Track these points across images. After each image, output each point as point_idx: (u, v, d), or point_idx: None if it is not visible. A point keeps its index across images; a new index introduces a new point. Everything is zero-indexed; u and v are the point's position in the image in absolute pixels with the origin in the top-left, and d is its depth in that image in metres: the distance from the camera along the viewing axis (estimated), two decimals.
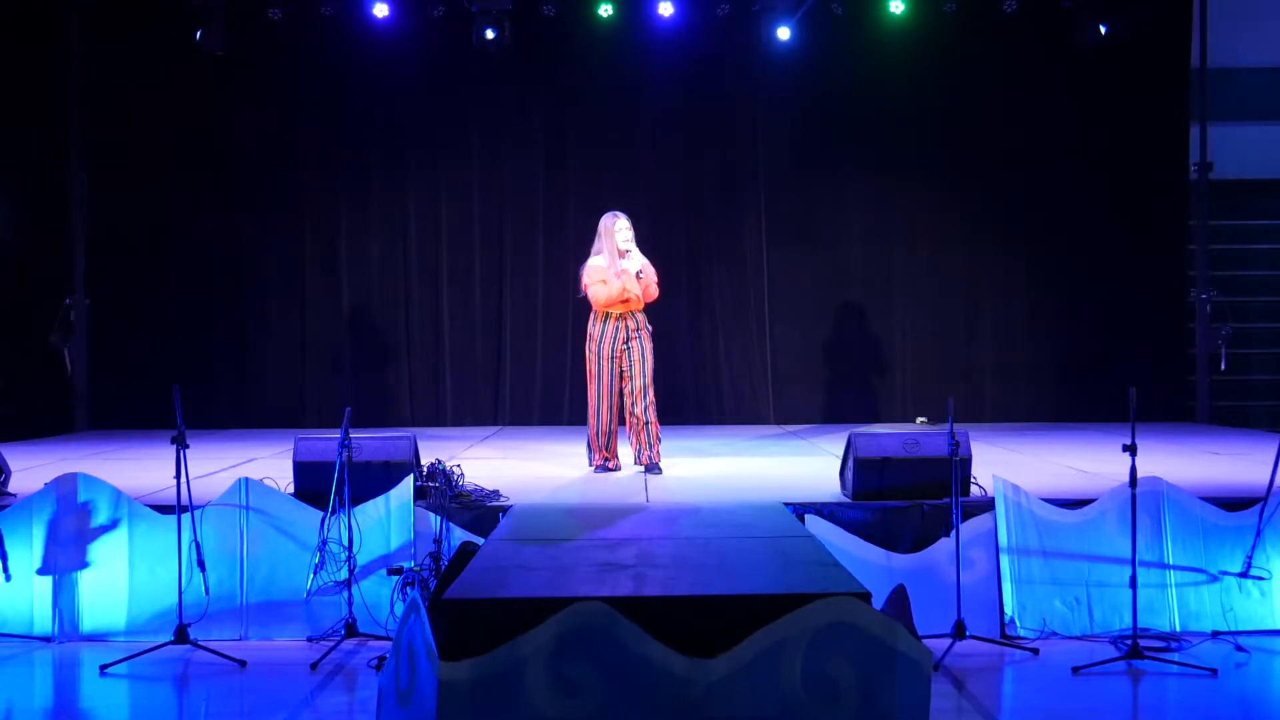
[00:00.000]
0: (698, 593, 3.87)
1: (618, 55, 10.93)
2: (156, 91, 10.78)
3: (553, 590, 3.90)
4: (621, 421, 7.29)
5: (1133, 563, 5.18)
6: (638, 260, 7.08)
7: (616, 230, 7.09)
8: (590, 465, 7.35)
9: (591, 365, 7.19)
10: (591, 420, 7.26)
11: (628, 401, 7.18)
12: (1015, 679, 5.13)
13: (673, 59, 10.88)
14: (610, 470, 7.28)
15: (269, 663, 5.24)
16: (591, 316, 7.22)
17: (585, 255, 7.08)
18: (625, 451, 7.44)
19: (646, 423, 7.18)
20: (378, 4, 10.39)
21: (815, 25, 10.66)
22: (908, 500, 5.90)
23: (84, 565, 5.69)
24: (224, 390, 10.83)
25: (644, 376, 7.14)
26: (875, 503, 5.93)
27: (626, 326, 7.13)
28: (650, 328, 7.25)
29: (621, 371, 7.16)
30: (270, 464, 7.43)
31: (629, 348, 7.13)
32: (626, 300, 7.08)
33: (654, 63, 10.91)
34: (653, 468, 7.24)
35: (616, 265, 7.05)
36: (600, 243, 7.15)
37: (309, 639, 5.56)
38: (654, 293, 7.21)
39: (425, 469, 6.14)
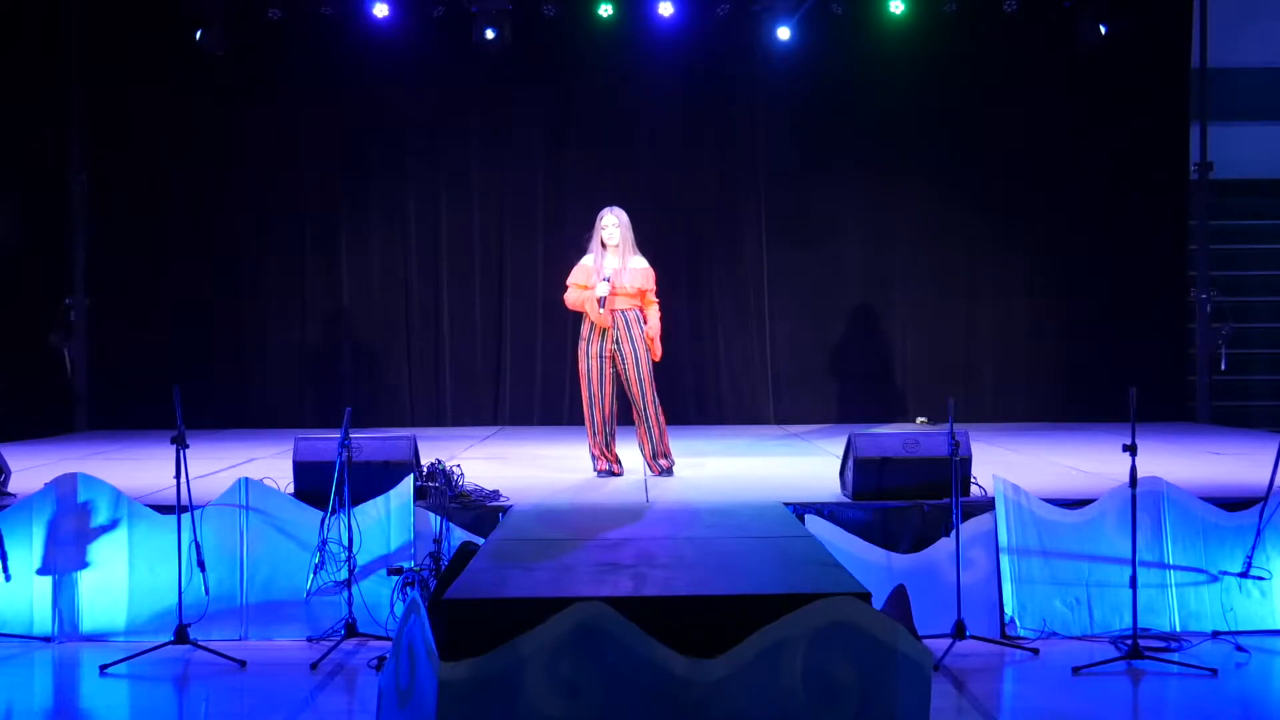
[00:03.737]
0: (698, 593, 3.87)
1: (618, 55, 10.93)
2: (156, 91, 10.79)
3: (553, 590, 3.90)
4: (629, 423, 7.15)
5: (1133, 563, 5.18)
6: (606, 289, 6.82)
7: (602, 228, 6.92)
8: (594, 470, 7.18)
9: (581, 366, 6.99)
10: (586, 423, 7.07)
11: (632, 405, 7.03)
12: (1015, 679, 5.13)
13: (673, 59, 10.88)
14: (613, 475, 7.12)
15: (269, 663, 5.24)
16: (583, 315, 7.03)
17: (583, 254, 7.00)
18: (627, 454, 7.31)
19: (649, 425, 7.01)
20: (378, 4, 10.39)
21: (815, 25, 10.66)
22: (908, 500, 5.89)
23: (84, 565, 5.69)
24: (224, 390, 10.83)
25: (639, 377, 6.94)
26: (875, 503, 5.92)
27: (616, 327, 6.91)
28: (643, 325, 6.98)
29: (616, 373, 6.98)
30: (270, 464, 7.42)
31: (620, 348, 6.93)
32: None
33: (654, 63, 10.90)
34: (666, 473, 7.11)
35: (601, 262, 6.90)
36: (593, 239, 7.00)
37: (309, 639, 5.56)
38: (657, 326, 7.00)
39: (425, 469, 6.14)
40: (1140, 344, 10.93)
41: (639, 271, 6.96)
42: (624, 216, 6.99)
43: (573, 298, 7.01)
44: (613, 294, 6.86)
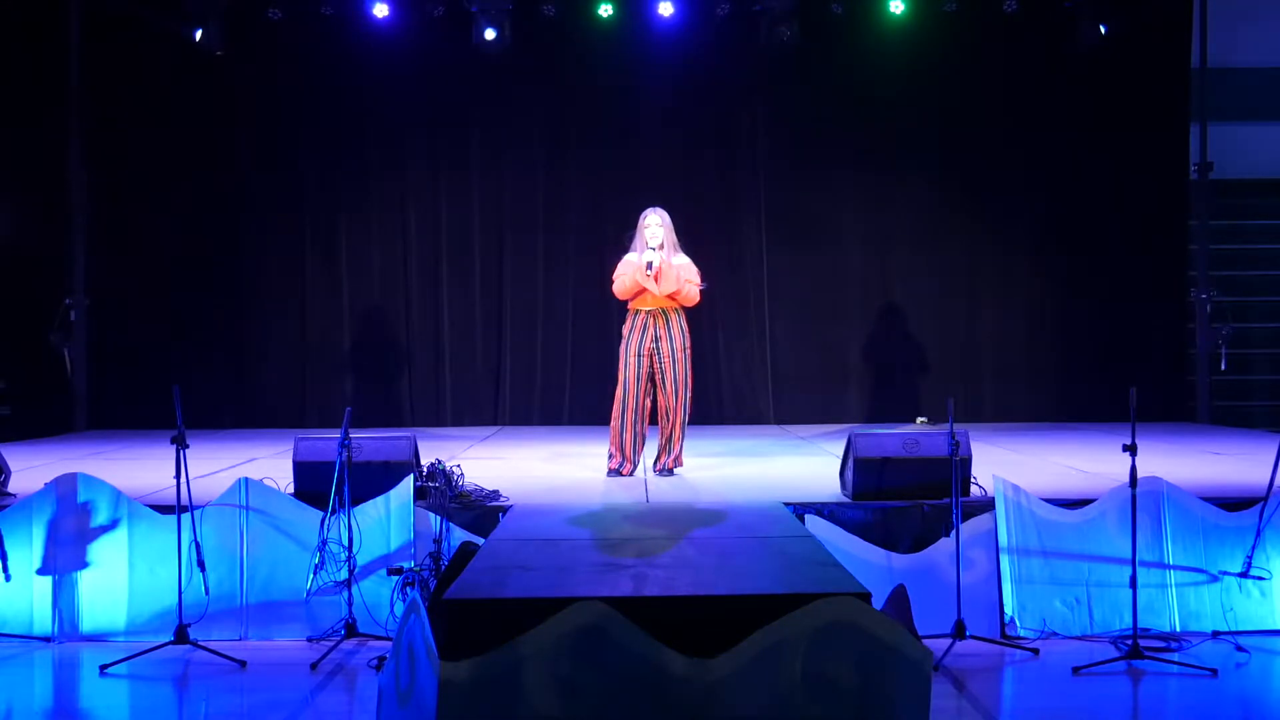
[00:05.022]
0: (698, 593, 3.87)
1: (618, 55, 10.93)
2: (156, 91, 10.79)
3: (553, 590, 3.90)
4: (653, 422, 7.14)
5: (1133, 563, 5.18)
6: (657, 259, 6.90)
7: (645, 226, 6.99)
8: (607, 468, 7.18)
9: (620, 362, 7.04)
10: (614, 420, 7.07)
11: (661, 404, 7.06)
12: (1015, 679, 5.13)
13: (673, 59, 10.87)
14: (621, 475, 7.10)
15: (269, 663, 5.24)
16: (626, 315, 7.09)
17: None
18: (647, 456, 7.30)
19: (672, 424, 7.05)
20: (378, 4, 10.39)
21: (815, 25, 10.65)
22: (908, 500, 5.90)
23: (84, 565, 5.69)
24: (224, 390, 10.83)
25: (675, 374, 6.99)
26: (875, 503, 5.92)
27: (656, 325, 6.98)
28: (686, 328, 7.08)
29: (652, 372, 7.02)
30: (270, 464, 7.43)
31: (658, 348, 6.98)
32: (646, 293, 6.96)
33: (654, 63, 10.90)
34: (666, 472, 7.15)
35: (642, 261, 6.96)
36: (635, 239, 7.07)
37: (309, 639, 5.56)
38: (689, 295, 6.99)
39: (425, 469, 6.14)
40: (1140, 344, 10.93)
41: (680, 267, 7.01)
42: (666, 217, 7.06)
43: (622, 283, 7.02)
44: (657, 274, 6.88)
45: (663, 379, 7.03)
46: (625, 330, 7.08)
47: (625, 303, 7.15)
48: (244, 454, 8.35)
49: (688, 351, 7.09)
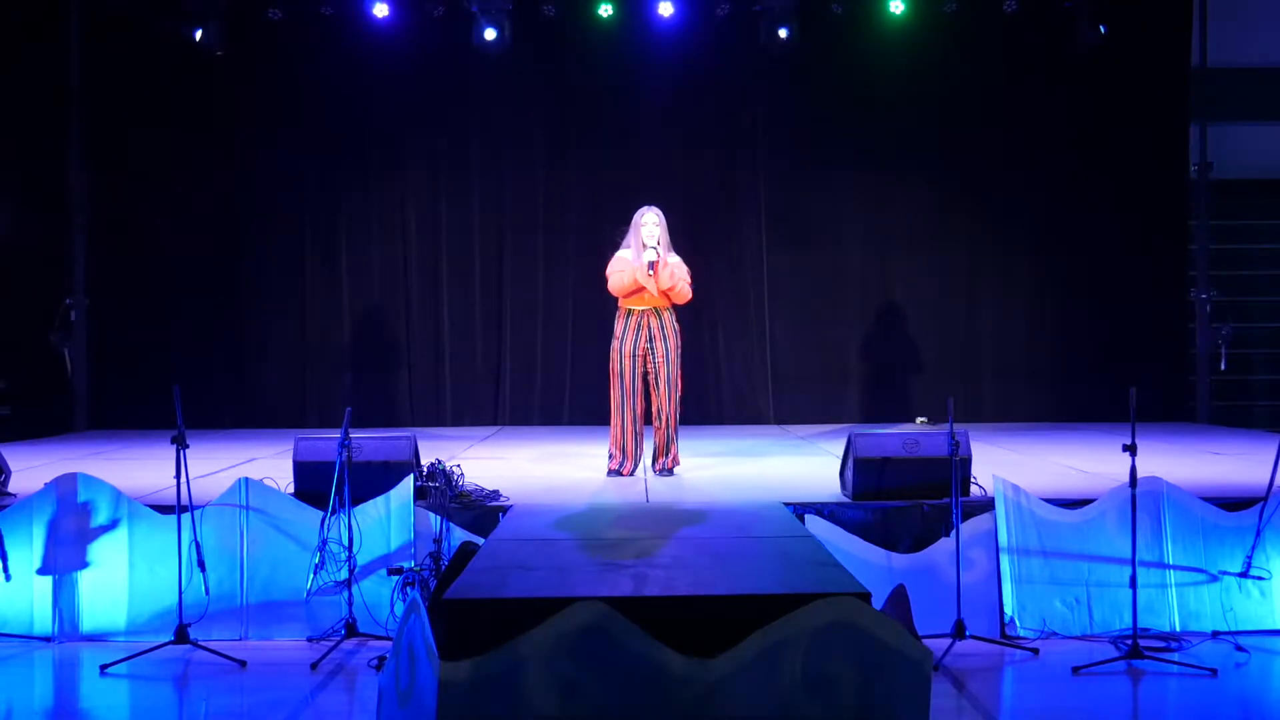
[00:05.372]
0: (698, 593, 3.87)
1: (618, 55, 10.93)
2: (156, 91, 10.79)
3: (553, 590, 3.90)
4: (648, 422, 7.16)
5: (1133, 563, 5.18)
6: (654, 256, 6.91)
7: (643, 224, 6.98)
8: (607, 469, 7.21)
9: (614, 364, 7.05)
10: (613, 421, 7.09)
11: (654, 403, 7.07)
12: (1015, 679, 5.13)
13: (673, 59, 10.88)
14: (621, 475, 7.11)
15: (269, 663, 5.24)
16: (617, 315, 7.10)
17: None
18: (646, 456, 7.32)
19: (665, 425, 7.06)
20: (378, 4, 10.39)
21: (815, 25, 10.65)
22: (908, 500, 5.90)
23: (84, 565, 5.69)
24: (224, 390, 10.84)
25: (668, 375, 7.01)
26: (875, 503, 5.93)
27: (650, 325, 6.99)
28: (678, 327, 7.10)
29: (646, 372, 7.04)
30: (270, 464, 7.42)
31: (652, 347, 7.00)
32: (642, 292, 6.95)
33: (654, 62, 10.90)
34: (665, 472, 7.17)
35: (639, 258, 6.97)
36: (629, 236, 7.07)
37: (309, 639, 5.55)
38: (682, 292, 7.01)
39: (425, 469, 6.14)
40: (1140, 344, 10.93)
41: (674, 265, 7.02)
42: (662, 216, 7.07)
43: (619, 280, 7.00)
44: (657, 271, 6.88)
45: (656, 379, 7.04)
46: (618, 330, 7.08)
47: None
48: (244, 454, 8.35)
49: (680, 351, 7.11)
